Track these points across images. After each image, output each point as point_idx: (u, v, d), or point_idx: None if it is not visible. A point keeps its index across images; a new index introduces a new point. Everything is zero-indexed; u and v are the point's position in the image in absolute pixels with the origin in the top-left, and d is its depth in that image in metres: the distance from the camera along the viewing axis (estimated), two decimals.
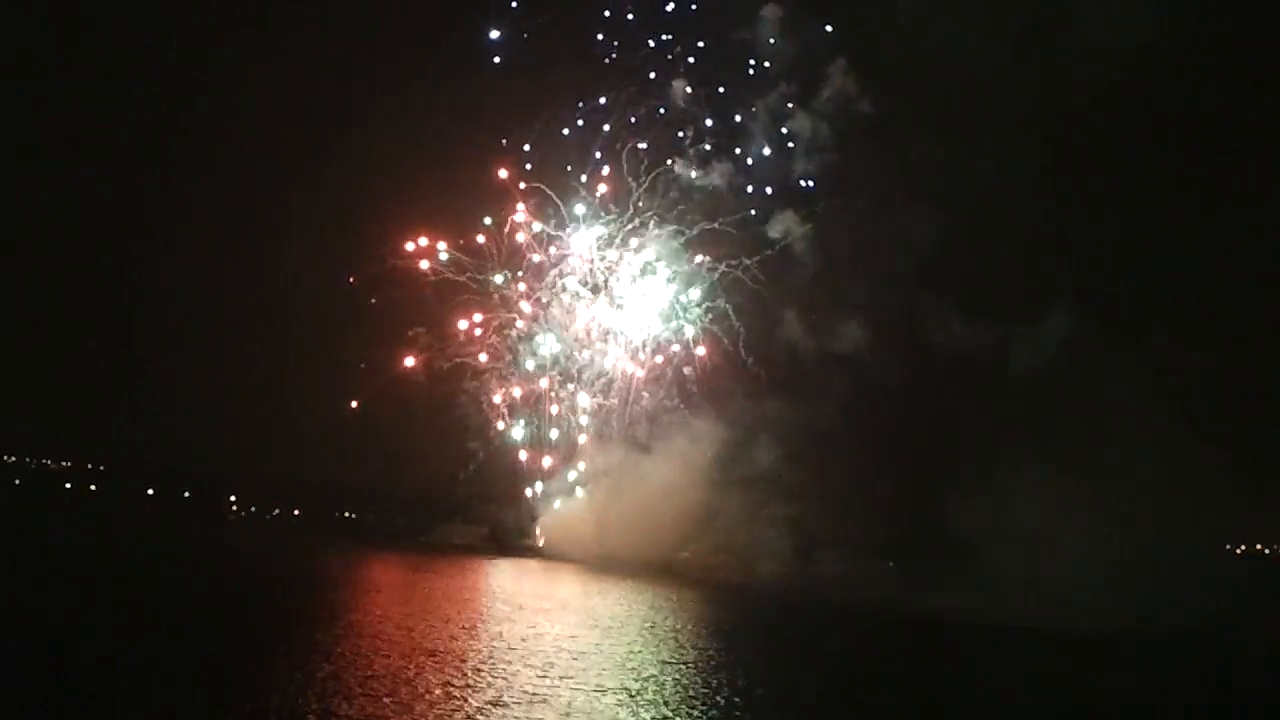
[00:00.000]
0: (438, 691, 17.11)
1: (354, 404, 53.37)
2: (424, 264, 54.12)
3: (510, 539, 56.82)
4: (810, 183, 53.13)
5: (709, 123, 53.62)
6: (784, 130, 53.18)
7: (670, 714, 17.20)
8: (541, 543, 55.80)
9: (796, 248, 52.18)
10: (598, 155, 53.60)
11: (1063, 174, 48.27)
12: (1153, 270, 48.61)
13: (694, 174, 53.66)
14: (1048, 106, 48.75)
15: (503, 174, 53.04)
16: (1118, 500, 42.83)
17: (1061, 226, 50.30)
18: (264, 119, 63.65)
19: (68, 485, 74.83)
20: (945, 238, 47.33)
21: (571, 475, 55.23)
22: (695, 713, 17.47)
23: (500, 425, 55.17)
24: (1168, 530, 43.20)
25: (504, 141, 52.79)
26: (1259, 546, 65.49)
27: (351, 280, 53.15)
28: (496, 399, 55.14)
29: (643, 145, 53.18)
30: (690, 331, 54.47)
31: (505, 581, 42.90)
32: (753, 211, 53.18)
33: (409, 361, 53.56)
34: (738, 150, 53.89)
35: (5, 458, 74.69)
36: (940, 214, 47.01)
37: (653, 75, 53.39)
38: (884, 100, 51.17)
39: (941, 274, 48.54)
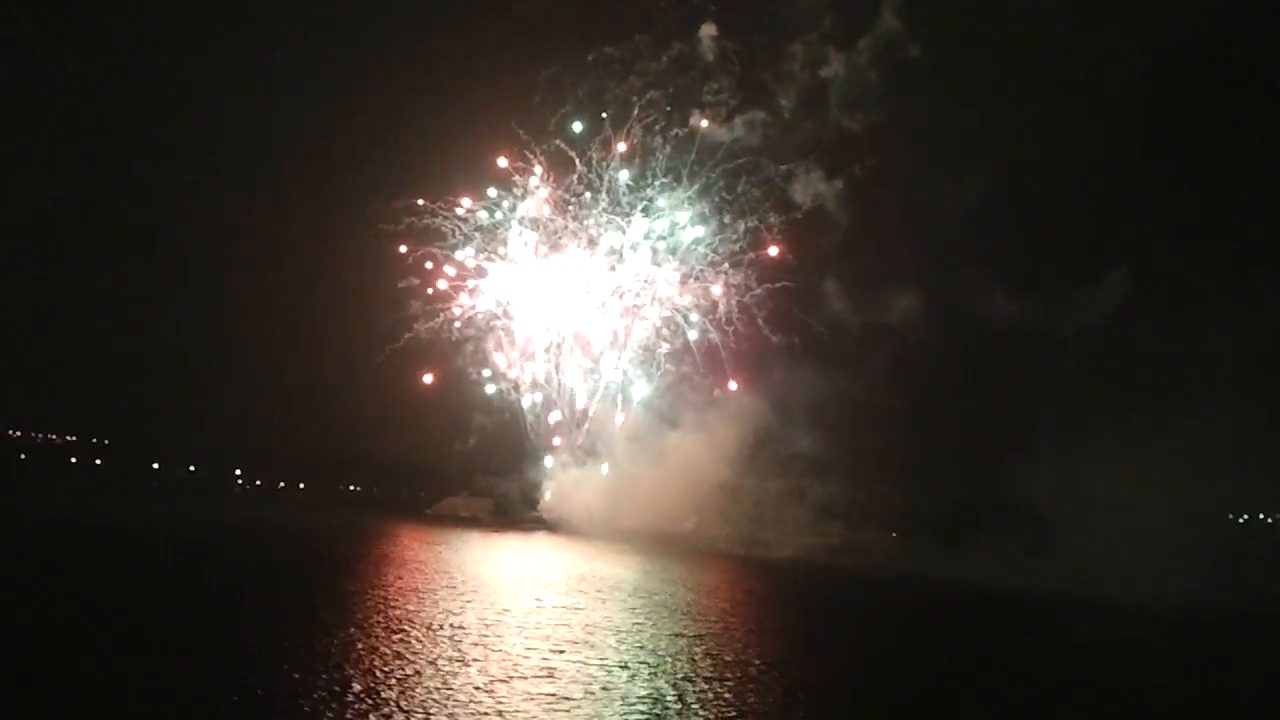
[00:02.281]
0: (442, 667, 17.02)
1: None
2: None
3: (515, 511, 56.81)
4: (849, 138, 49.09)
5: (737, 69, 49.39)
6: (822, 74, 48.68)
7: (673, 687, 17.11)
8: (547, 515, 55.79)
9: (831, 209, 49.30)
10: (606, 114, 51.01)
11: (1124, 134, 45.61)
12: (1211, 236, 46.75)
13: (720, 129, 50.02)
14: (1115, 61, 46.09)
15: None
16: (1148, 473, 42.00)
17: (1123, 190, 47.85)
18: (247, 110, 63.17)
19: (72, 460, 74.99)
20: (997, 200, 44.72)
21: (581, 447, 55.10)
22: (700, 686, 17.39)
23: (505, 393, 54.82)
24: (1210, 501, 42.12)
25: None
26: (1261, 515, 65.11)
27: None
28: (502, 365, 54.70)
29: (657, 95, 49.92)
30: (718, 302, 52.32)
31: (510, 554, 42.87)
32: (785, 170, 49.90)
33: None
34: (766, 106, 49.84)
35: (10, 432, 74.82)
36: (993, 174, 44.24)
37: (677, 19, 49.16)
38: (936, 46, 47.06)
39: (992, 240, 45.93)
